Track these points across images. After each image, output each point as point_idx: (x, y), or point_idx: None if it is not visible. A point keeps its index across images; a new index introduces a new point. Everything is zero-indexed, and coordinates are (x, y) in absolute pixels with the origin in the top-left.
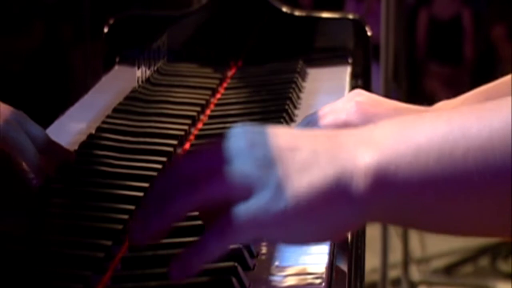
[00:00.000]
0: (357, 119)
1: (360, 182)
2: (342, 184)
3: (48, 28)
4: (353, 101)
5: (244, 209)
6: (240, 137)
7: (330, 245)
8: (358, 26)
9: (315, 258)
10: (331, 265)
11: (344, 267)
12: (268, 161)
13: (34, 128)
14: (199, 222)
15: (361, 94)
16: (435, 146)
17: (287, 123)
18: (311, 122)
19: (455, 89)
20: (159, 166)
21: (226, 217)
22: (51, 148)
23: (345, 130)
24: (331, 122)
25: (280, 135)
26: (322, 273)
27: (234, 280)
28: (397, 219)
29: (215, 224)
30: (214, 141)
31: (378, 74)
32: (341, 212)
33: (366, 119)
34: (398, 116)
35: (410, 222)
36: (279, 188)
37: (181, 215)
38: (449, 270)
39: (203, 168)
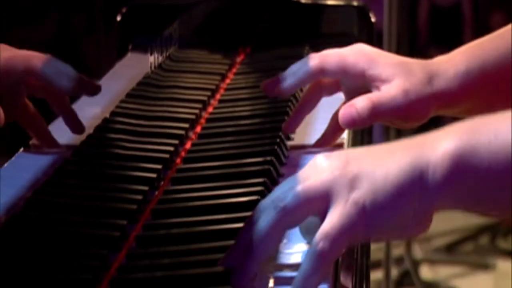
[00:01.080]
0: (363, 61)
1: (437, 168)
2: (417, 172)
3: (62, 17)
4: (357, 48)
5: (327, 226)
6: (316, 157)
7: None
8: (362, 13)
9: None
10: None
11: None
12: (343, 165)
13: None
14: (211, 202)
15: (362, 45)
16: None
17: (294, 106)
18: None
19: None
20: (171, 149)
21: (316, 243)
22: (80, 83)
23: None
24: (338, 58)
25: (354, 150)
26: None
27: None
28: (472, 203)
29: (309, 252)
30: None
31: None
32: (418, 200)
33: (371, 60)
34: (399, 59)
35: (485, 206)
36: (354, 185)
37: (273, 245)
38: (450, 248)
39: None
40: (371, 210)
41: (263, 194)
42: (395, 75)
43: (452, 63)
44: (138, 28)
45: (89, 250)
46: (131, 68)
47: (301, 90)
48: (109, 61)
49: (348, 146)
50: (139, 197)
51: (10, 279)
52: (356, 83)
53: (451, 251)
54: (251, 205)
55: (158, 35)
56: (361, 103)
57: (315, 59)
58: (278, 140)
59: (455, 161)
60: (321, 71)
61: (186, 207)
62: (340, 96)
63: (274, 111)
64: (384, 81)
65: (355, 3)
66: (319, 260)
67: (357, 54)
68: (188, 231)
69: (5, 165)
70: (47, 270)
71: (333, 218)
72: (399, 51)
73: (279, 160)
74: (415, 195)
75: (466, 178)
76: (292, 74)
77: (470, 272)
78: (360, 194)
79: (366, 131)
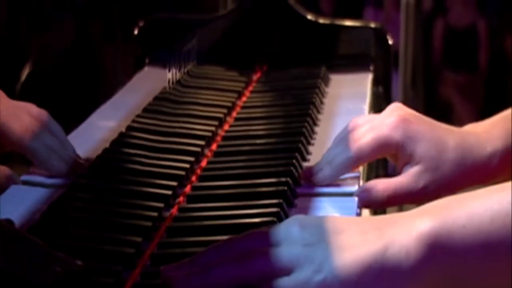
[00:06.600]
0: (399, 135)
1: (411, 251)
2: (389, 257)
3: (79, 28)
4: (395, 116)
5: (285, 282)
6: (292, 222)
7: None
8: (379, 35)
9: None
10: None
11: None
12: (314, 241)
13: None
14: (226, 221)
15: (400, 109)
16: (488, 210)
17: (310, 127)
18: (344, 139)
19: (469, 96)
20: (187, 166)
21: None
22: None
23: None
24: (373, 138)
25: (330, 220)
26: None
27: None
28: (447, 284)
29: None
30: (270, 227)
31: (397, 81)
32: (387, 285)
33: (407, 135)
34: (436, 135)
35: (461, 286)
36: (322, 262)
37: (222, 283)
38: None
39: (254, 247)
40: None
41: (278, 216)
42: (424, 158)
43: (489, 141)
44: (155, 42)
45: (104, 266)
46: (148, 82)
47: (318, 111)
48: (126, 74)
49: (363, 176)
50: (154, 214)
51: None
52: (389, 152)
53: None
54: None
55: (175, 49)
56: (377, 192)
57: (351, 150)
58: (294, 161)
59: (430, 244)
60: (358, 161)
61: (201, 226)
62: None
63: (289, 131)
64: (412, 160)
65: (372, 25)
66: None
67: (392, 124)
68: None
69: (22, 177)
70: (62, 286)
71: (293, 278)
72: (414, 72)
73: (295, 181)
74: (384, 281)
75: (441, 261)
76: (328, 164)
77: None
78: (324, 269)
79: (380, 164)
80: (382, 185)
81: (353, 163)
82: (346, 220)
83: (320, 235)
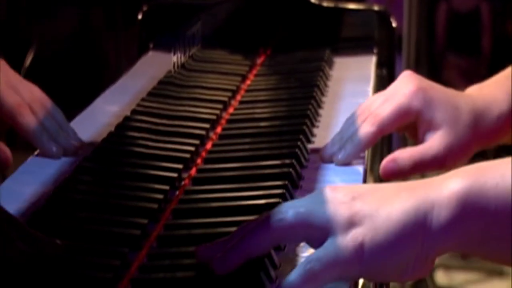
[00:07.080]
0: (418, 103)
1: (442, 209)
2: (421, 215)
3: (83, 13)
4: (412, 85)
5: (322, 252)
6: (322, 188)
7: None
8: (383, 18)
9: None
10: None
11: None
12: (347, 200)
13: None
14: (231, 203)
15: (414, 77)
16: None
17: (315, 109)
18: (360, 116)
19: (472, 80)
20: (192, 148)
21: (307, 261)
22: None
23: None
24: (394, 107)
25: (359, 185)
26: None
27: (265, 259)
28: (476, 245)
29: (299, 266)
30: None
31: (400, 64)
32: (420, 243)
33: (426, 103)
34: (450, 100)
35: (489, 249)
36: (356, 221)
37: (259, 249)
38: (466, 254)
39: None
40: (369, 248)
41: (284, 197)
42: (443, 122)
43: (496, 104)
44: (159, 26)
45: (111, 247)
46: (152, 67)
47: (322, 94)
48: (129, 58)
49: (367, 157)
50: (160, 196)
51: (30, 275)
52: (409, 121)
53: (467, 257)
54: (271, 208)
55: (179, 33)
56: (403, 160)
57: (372, 124)
58: (299, 143)
59: (462, 202)
60: (381, 133)
61: (207, 207)
62: (360, 101)
63: (293, 114)
64: (433, 126)
65: (376, 8)
66: (306, 277)
67: (413, 95)
68: (209, 232)
69: (28, 160)
70: (67, 268)
71: (329, 248)
72: (418, 55)
73: (300, 163)
74: (417, 238)
75: (472, 220)
76: (349, 142)
77: (485, 278)
78: (360, 230)
79: (385, 141)
80: (407, 153)
81: (376, 136)
82: (376, 185)
83: (353, 194)
